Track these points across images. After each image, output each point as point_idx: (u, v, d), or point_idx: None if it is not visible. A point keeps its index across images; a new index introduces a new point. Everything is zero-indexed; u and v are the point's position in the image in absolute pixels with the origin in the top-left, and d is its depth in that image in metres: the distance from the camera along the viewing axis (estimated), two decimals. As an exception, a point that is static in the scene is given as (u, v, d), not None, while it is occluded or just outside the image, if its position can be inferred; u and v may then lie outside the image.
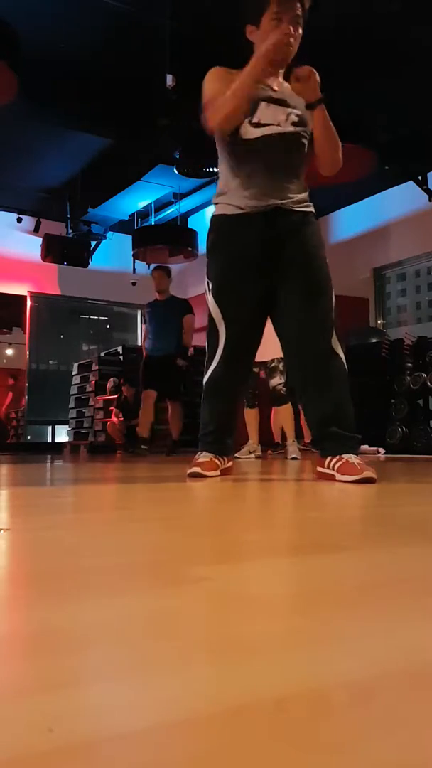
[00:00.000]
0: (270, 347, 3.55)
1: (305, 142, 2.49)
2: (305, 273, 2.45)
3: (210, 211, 2.69)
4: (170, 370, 6.29)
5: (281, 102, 2.46)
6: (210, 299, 2.55)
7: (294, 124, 2.44)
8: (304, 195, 2.52)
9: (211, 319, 2.54)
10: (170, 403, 6.47)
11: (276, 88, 2.50)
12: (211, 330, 2.55)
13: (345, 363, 2.44)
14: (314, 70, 2.36)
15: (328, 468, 2.32)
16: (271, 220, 2.44)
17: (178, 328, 6.40)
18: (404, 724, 0.36)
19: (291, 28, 2.35)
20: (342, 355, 2.43)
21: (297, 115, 2.45)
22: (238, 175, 2.47)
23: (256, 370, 5.37)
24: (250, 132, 2.42)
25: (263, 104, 2.44)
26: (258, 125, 2.42)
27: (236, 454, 5.39)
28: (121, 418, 7.95)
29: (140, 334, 11.79)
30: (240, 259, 2.49)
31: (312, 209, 2.53)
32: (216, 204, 2.58)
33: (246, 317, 2.53)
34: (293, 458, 4.88)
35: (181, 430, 6.51)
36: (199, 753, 0.33)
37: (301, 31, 2.41)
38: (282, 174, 2.45)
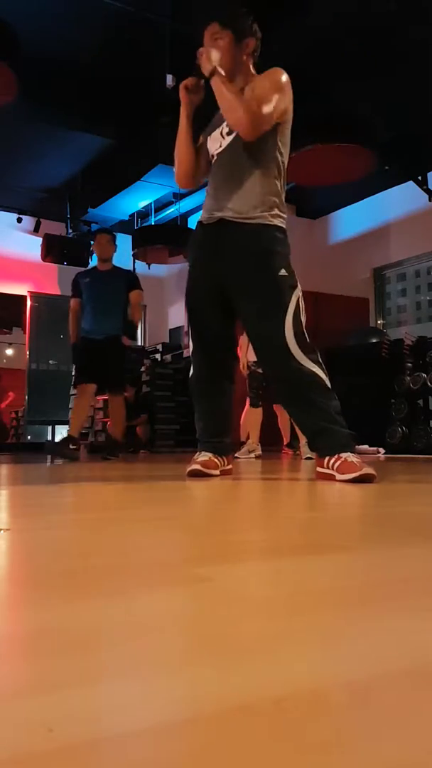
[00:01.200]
0: None
1: (252, 143, 2.43)
2: (252, 288, 2.44)
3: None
4: (112, 357, 5.21)
5: (217, 124, 2.58)
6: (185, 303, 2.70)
7: (228, 134, 2.53)
8: (252, 204, 2.44)
9: (187, 323, 2.70)
10: (111, 397, 5.44)
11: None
12: (188, 333, 2.70)
13: (314, 369, 2.34)
14: (205, 48, 2.49)
15: (328, 468, 2.32)
16: (217, 230, 2.51)
17: (123, 306, 5.30)
18: (404, 724, 0.36)
19: (215, 46, 2.50)
20: (309, 365, 2.34)
21: (228, 124, 2.51)
22: (206, 194, 2.63)
23: (259, 369, 5.38)
24: (210, 145, 2.62)
25: (208, 140, 2.62)
26: (212, 157, 2.61)
27: (236, 455, 5.40)
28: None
29: (140, 333, 11.78)
30: (195, 265, 2.64)
31: (264, 220, 2.44)
32: None
33: (205, 319, 2.61)
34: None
35: (124, 430, 5.66)
36: (199, 753, 0.33)
37: (230, 40, 2.51)
38: (226, 188, 2.50)
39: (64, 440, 5.04)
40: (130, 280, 5.41)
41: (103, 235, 5.39)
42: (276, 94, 2.39)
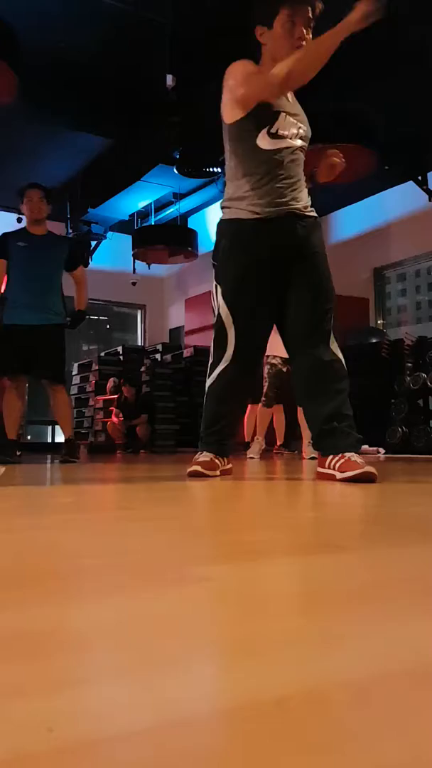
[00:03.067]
0: None
1: (304, 154, 2.58)
2: (314, 279, 2.51)
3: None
4: (50, 345, 4.28)
5: (294, 115, 2.54)
6: (221, 303, 2.56)
7: (301, 138, 2.54)
8: (309, 201, 2.58)
9: (220, 322, 2.56)
10: (53, 390, 4.37)
11: (289, 98, 2.56)
12: (220, 333, 2.56)
13: (344, 364, 2.49)
14: (343, 161, 2.60)
15: (329, 467, 2.32)
16: (286, 225, 2.48)
17: (58, 283, 4.36)
18: (404, 724, 0.36)
19: (303, 31, 2.39)
20: (341, 356, 2.49)
21: (303, 130, 2.55)
22: (254, 182, 2.48)
23: (284, 368, 5.32)
24: (268, 143, 2.45)
25: (282, 115, 2.48)
26: (275, 136, 2.46)
27: (249, 455, 5.41)
28: (121, 418, 7.96)
29: (140, 333, 11.79)
30: (255, 264, 2.51)
31: (316, 214, 2.59)
32: (227, 208, 2.58)
33: (256, 322, 2.58)
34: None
35: (73, 425, 4.83)
36: (199, 753, 0.33)
37: (311, 35, 2.43)
38: (292, 182, 2.50)
39: (6, 447, 4.27)
40: (73, 252, 4.54)
41: (35, 191, 4.46)
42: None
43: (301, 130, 2.54)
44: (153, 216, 9.78)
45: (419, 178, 7.98)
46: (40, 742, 0.33)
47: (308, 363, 2.49)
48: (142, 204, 9.27)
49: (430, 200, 7.96)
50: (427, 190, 7.97)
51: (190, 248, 8.94)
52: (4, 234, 4.42)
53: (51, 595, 0.67)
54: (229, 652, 0.48)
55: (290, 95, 2.56)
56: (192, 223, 10.11)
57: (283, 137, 2.46)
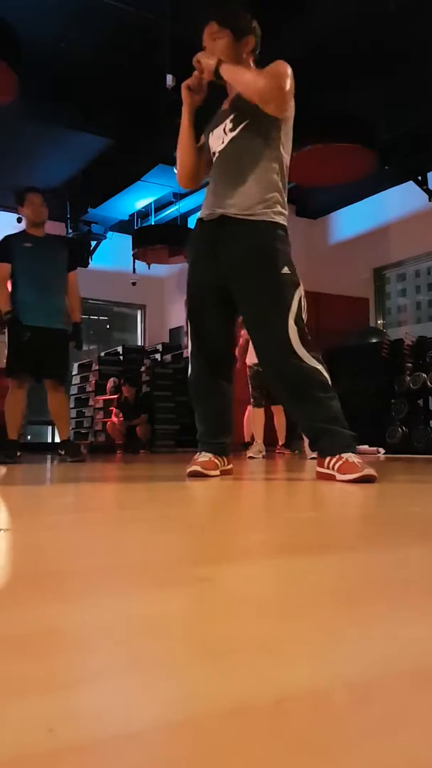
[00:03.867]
0: None
1: (254, 138, 2.46)
2: (255, 289, 2.44)
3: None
4: (56, 349, 4.39)
5: (221, 120, 2.57)
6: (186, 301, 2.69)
7: (230, 130, 2.52)
8: (255, 200, 2.44)
9: (186, 321, 2.68)
10: (54, 391, 4.45)
11: (227, 106, 2.61)
12: (187, 332, 2.69)
13: (318, 367, 2.36)
14: (201, 53, 2.51)
15: (328, 468, 2.32)
16: (217, 227, 2.50)
17: (64, 284, 4.46)
18: (405, 724, 0.36)
19: (211, 47, 2.52)
20: (312, 362, 2.35)
21: (231, 120, 2.51)
22: (206, 191, 2.62)
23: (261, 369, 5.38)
24: (213, 164, 2.61)
25: (210, 136, 2.62)
26: (214, 154, 2.60)
27: (249, 454, 5.42)
28: (121, 418, 7.95)
29: (140, 333, 11.79)
30: (194, 262, 2.63)
31: (266, 217, 2.44)
32: None
33: (205, 315, 2.60)
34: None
35: (69, 424, 4.84)
36: (199, 753, 0.33)
37: (229, 39, 2.52)
38: (226, 185, 2.49)
39: (8, 447, 4.33)
40: (72, 253, 4.58)
41: (35, 195, 4.48)
42: (288, 79, 2.38)
43: (227, 124, 2.52)
44: (153, 216, 9.77)
45: (419, 178, 7.98)
46: (40, 742, 0.33)
47: (276, 375, 2.50)
48: (141, 204, 9.27)
49: (430, 200, 7.96)
50: (427, 190, 7.97)
51: (190, 248, 8.93)
52: (6, 237, 4.45)
53: (51, 595, 0.67)
54: (229, 652, 0.48)
55: (227, 100, 2.62)
56: (192, 223, 10.10)
57: (214, 153, 2.58)
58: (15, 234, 4.50)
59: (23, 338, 4.23)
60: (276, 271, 2.40)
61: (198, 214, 2.66)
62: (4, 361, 4.43)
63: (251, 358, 5.37)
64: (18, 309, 4.27)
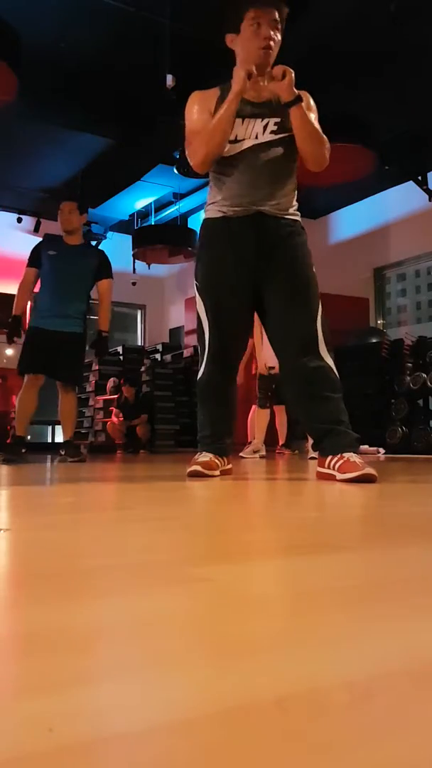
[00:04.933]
0: None
1: (292, 147, 2.49)
2: (290, 284, 2.48)
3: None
4: (70, 351, 4.47)
5: (259, 114, 2.50)
6: (198, 300, 2.61)
7: (273, 132, 2.48)
8: (290, 202, 2.53)
9: (199, 321, 2.61)
10: (65, 392, 4.54)
11: (255, 100, 2.51)
12: (199, 331, 2.62)
13: (333, 368, 2.44)
14: (289, 69, 2.39)
15: (329, 468, 2.32)
16: (254, 224, 2.48)
17: (88, 291, 4.55)
18: (404, 724, 0.36)
19: (270, 32, 2.40)
20: (330, 361, 2.43)
21: (276, 123, 2.48)
22: (222, 187, 2.53)
23: (266, 373, 5.39)
24: (229, 149, 2.48)
25: (238, 121, 2.48)
26: (236, 141, 2.48)
27: (241, 454, 5.42)
28: (121, 418, 7.95)
29: (140, 333, 11.79)
30: (222, 259, 2.54)
31: (298, 218, 2.55)
32: (205, 211, 2.64)
33: (232, 320, 2.57)
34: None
35: (75, 426, 4.87)
36: (199, 753, 0.33)
37: (279, 36, 2.44)
38: (264, 182, 2.48)
39: (13, 443, 4.38)
40: (102, 263, 4.58)
41: (66, 203, 4.60)
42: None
43: (270, 125, 2.49)
44: (153, 216, 9.78)
45: (419, 178, 7.98)
46: (40, 742, 0.33)
47: (292, 372, 2.48)
48: (141, 204, 9.27)
49: (430, 200, 7.96)
50: (427, 190, 7.97)
51: (190, 248, 8.94)
52: (39, 243, 4.61)
53: (51, 595, 0.67)
54: (229, 652, 0.48)
55: (257, 92, 2.50)
56: (192, 223, 10.11)
57: (244, 140, 2.48)
58: (47, 240, 4.64)
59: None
60: (309, 269, 2.50)
61: (205, 212, 2.60)
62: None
63: (270, 360, 5.32)
64: (36, 312, 4.44)
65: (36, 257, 4.47)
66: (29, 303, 4.57)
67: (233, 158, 2.49)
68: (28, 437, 4.53)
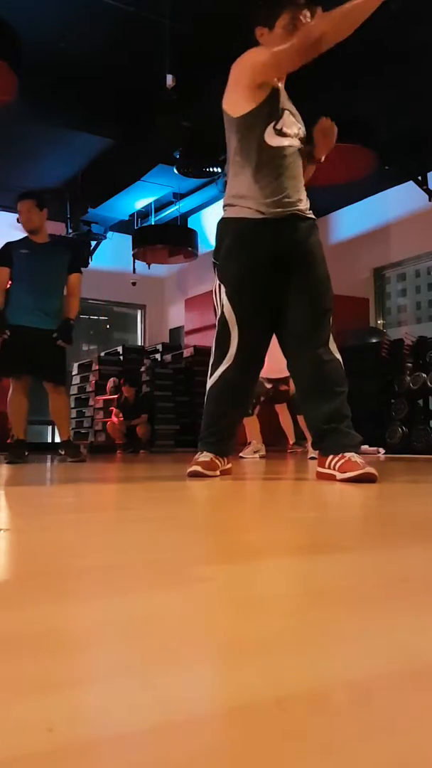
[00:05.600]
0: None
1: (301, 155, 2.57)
2: (312, 280, 2.51)
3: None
4: (50, 348, 4.39)
5: (294, 114, 2.56)
6: (225, 302, 2.53)
7: (300, 138, 2.55)
8: (308, 203, 2.59)
9: (223, 321, 2.53)
10: (54, 392, 4.48)
11: (285, 103, 2.54)
12: (222, 333, 2.54)
13: (342, 365, 2.49)
14: (334, 126, 2.54)
15: (329, 467, 2.32)
16: (289, 226, 2.48)
17: (62, 287, 4.49)
18: (404, 724, 0.36)
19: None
20: (339, 357, 2.50)
21: (302, 131, 2.57)
22: (259, 180, 2.45)
23: (269, 385, 5.41)
24: (274, 139, 2.44)
25: (287, 113, 2.50)
26: (281, 133, 2.46)
27: (240, 454, 5.42)
28: (121, 418, 7.95)
29: (140, 333, 11.79)
30: (259, 263, 2.49)
31: (314, 216, 2.60)
32: (230, 206, 2.54)
33: (260, 321, 2.56)
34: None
35: (70, 425, 4.79)
36: (199, 753, 0.33)
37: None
38: (295, 182, 2.51)
39: (15, 445, 4.41)
40: (74, 257, 4.57)
41: (23, 202, 4.47)
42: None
43: (300, 131, 2.56)
44: (153, 216, 9.77)
45: (419, 178, 7.98)
46: (40, 742, 0.33)
47: (308, 363, 2.48)
48: (141, 204, 9.27)
49: (430, 200, 7.95)
50: (427, 190, 7.97)
51: (190, 248, 8.94)
52: (7, 243, 4.56)
53: (51, 595, 0.67)
54: (229, 651, 0.48)
55: (285, 95, 2.54)
56: (192, 223, 10.11)
57: (287, 135, 2.47)
58: (15, 241, 4.59)
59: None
60: (327, 271, 2.57)
61: (244, 210, 2.48)
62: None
63: (266, 371, 5.31)
64: (9, 311, 4.35)
65: (7, 256, 4.42)
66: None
67: (276, 151, 2.44)
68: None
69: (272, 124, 2.44)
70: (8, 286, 4.43)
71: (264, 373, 5.36)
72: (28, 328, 4.32)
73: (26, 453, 4.44)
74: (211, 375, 2.57)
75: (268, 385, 5.38)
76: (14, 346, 4.30)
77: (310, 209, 2.57)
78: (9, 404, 4.41)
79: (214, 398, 2.58)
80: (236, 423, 2.71)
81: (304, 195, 2.55)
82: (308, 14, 2.40)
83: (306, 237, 2.52)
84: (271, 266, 2.48)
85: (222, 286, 2.55)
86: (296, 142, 2.51)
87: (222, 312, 2.54)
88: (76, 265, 4.61)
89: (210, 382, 2.58)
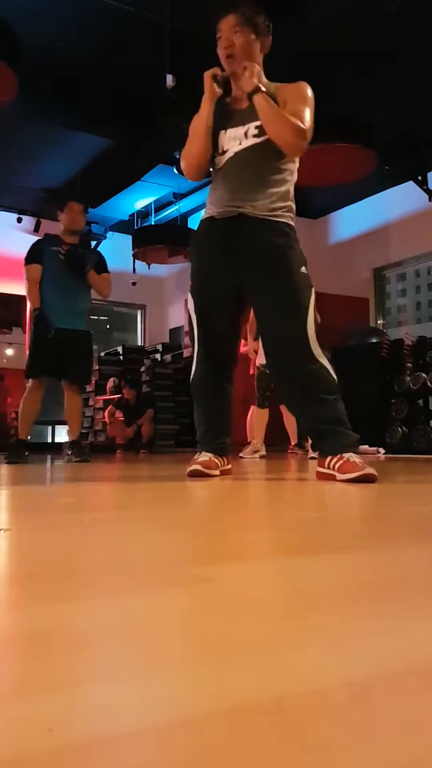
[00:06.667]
0: None
1: (278, 148, 2.47)
2: (273, 289, 2.47)
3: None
4: (79, 351, 4.53)
5: (241, 121, 2.53)
6: (189, 297, 2.65)
7: (255, 135, 2.50)
8: (276, 204, 2.50)
9: (189, 318, 2.66)
10: (71, 391, 4.55)
11: (238, 107, 2.56)
12: (190, 330, 2.66)
13: (329, 369, 2.40)
14: (251, 63, 2.45)
15: (329, 468, 2.32)
16: (236, 225, 2.49)
17: (89, 288, 4.63)
18: (404, 724, 0.36)
19: (229, 41, 2.47)
20: (324, 362, 2.39)
21: (256, 126, 2.49)
22: (213, 194, 2.59)
23: (268, 371, 5.36)
24: (219, 161, 2.56)
25: (223, 132, 2.55)
26: (223, 152, 2.54)
27: (240, 454, 5.41)
28: (121, 418, 7.94)
29: (140, 334, 11.79)
30: (208, 259, 2.58)
31: (285, 219, 2.51)
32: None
33: (216, 314, 2.59)
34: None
35: (81, 426, 4.87)
36: (199, 753, 0.33)
37: (249, 36, 2.49)
38: (246, 185, 2.49)
39: (16, 446, 4.45)
40: (100, 261, 4.66)
41: (77, 204, 4.66)
42: (310, 111, 2.45)
43: (251, 129, 2.50)
44: (153, 216, 9.77)
45: (419, 178, 7.98)
46: (40, 742, 0.33)
47: (287, 377, 2.49)
48: (141, 204, 9.27)
49: (430, 200, 7.96)
50: (427, 190, 7.97)
51: (189, 248, 8.94)
52: (39, 241, 4.66)
53: (51, 595, 0.67)
54: (229, 652, 0.48)
55: (240, 95, 2.54)
56: (192, 223, 10.10)
57: (228, 150, 2.53)
58: (46, 238, 4.67)
59: (48, 335, 4.35)
60: (295, 270, 2.45)
61: (202, 214, 2.65)
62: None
63: (260, 359, 5.37)
64: (43, 310, 4.45)
65: (39, 254, 4.49)
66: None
67: (222, 168, 2.55)
68: (29, 437, 4.56)
69: (217, 152, 2.56)
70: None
71: (261, 359, 5.36)
72: (60, 329, 4.39)
73: (26, 453, 4.46)
74: (191, 375, 2.68)
75: (269, 371, 5.36)
76: (45, 349, 4.38)
77: (283, 211, 2.50)
78: (22, 403, 4.46)
79: (195, 398, 2.68)
80: (223, 419, 2.68)
81: (261, 194, 2.47)
82: (232, 18, 2.50)
83: (258, 238, 2.46)
84: (221, 263, 2.53)
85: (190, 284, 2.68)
86: (239, 147, 2.50)
87: (189, 309, 2.66)
88: (104, 268, 4.67)
89: (191, 383, 2.68)
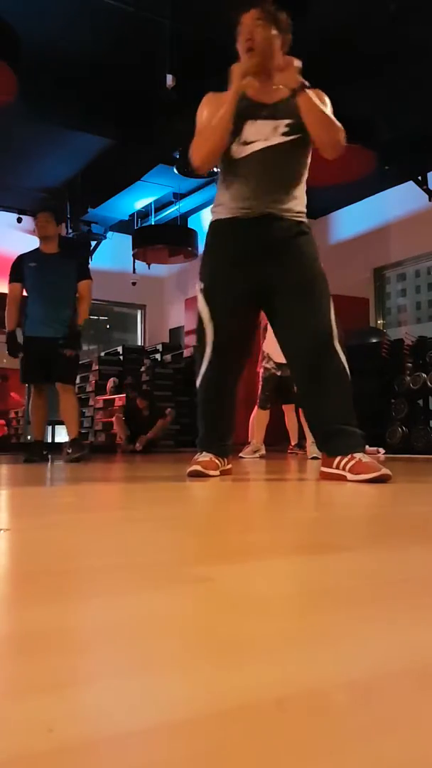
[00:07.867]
0: None
1: (303, 149, 2.50)
2: (300, 282, 2.48)
3: (208, 213, 2.72)
4: (59, 354, 4.58)
5: (270, 115, 2.48)
6: (200, 299, 2.60)
7: (284, 134, 2.47)
8: (297, 205, 2.53)
9: (199, 320, 2.59)
10: (64, 391, 4.62)
11: (267, 101, 2.51)
12: (199, 331, 2.59)
13: (346, 364, 2.45)
14: (293, 59, 2.42)
15: (338, 468, 2.30)
16: (262, 225, 2.47)
17: (72, 295, 4.67)
18: (404, 724, 0.36)
19: (250, 34, 2.44)
20: (343, 358, 2.44)
21: (287, 125, 2.47)
22: (230, 187, 2.52)
23: (278, 372, 5.35)
24: (238, 151, 2.48)
25: (248, 122, 2.48)
26: (246, 143, 2.48)
27: (240, 454, 5.40)
28: (123, 419, 7.88)
29: (140, 334, 11.78)
30: (230, 260, 2.53)
31: (305, 220, 2.55)
32: (212, 212, 2.64)
33: (234, 317, 2.56)
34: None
35: (80, 424, 4.91)
36: (199, 753, 0.33)
37: (273, 31, 2.47)
38: (272, 184, 2.48)
39: (34, 447, 4.70)
40: (81, 266, 4.74)
41: (42, 214, 4.72)
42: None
43: (281, 127, 2.47)
44: (153, 216, 9.77)
45: (419, 178, 7.98)
46: (40, 742, 0.33)
47: (309, 369, 2.45)
48: (141, 204, 9.27)
49: (430, 200, 7.96)
50: (427, 190, 7.97)
51: (190, 248, 8.94)
52: (19, 257, 4.78)
53: (51, 595, 0.67)
54: (229, 651, 0.48)
55: (268, 92, 2.51)
56: (192, 223, 10.11)
57: (253, 142, 2.47)
58: (27, 253, 4.80)
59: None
60: (319, 268, 2.52)
61: (210, 211, 2.60)
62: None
63: (275, 355, 5.30)
64: (27, 323, 4.65)
65: (19, 272, 4.65)
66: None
67: (243, 160, 2.47)
68: (29, 437, 4.68)
69: (236, 140, 2.48)
70: (23, 295, 4.70)
71: (274, 355, 5.32)
72: (42, 338, 4.55)
73: (45, 452, 4.75)
74: (197, 376, 2.62)
75: (278, 372, 5.33)
76: (32, 357, 4.60)
77: (301, 212, 2.53)
78: (31, 408, 4.83)
79: (202, 399, 2.62)
80: (229, 421, 2.69)
81: (285, 196, 2.48)
82: (255, 13, 2.46)
83: (285, 239, 2.47)
84: (243, 264, 2.50)
85: (200, 284, 2.61)
86: (271, 142, 2.45)
87: (198, 310, 2.60)
88: (85, 272, 4.75)
89: (197, 383, 2.63)
